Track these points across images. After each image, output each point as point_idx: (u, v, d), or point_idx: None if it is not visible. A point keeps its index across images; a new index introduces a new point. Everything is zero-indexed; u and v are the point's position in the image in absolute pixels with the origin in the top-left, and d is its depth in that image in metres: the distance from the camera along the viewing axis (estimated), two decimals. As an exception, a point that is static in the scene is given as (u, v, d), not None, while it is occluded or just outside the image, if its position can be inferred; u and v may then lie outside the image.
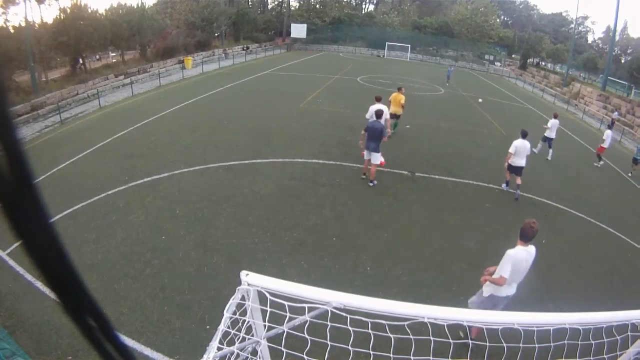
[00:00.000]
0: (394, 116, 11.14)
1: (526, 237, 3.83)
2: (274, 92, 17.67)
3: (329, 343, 1.66)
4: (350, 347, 1.72)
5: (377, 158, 8.04)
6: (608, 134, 11.92)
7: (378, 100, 9.32)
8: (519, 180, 8.37)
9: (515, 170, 8.33)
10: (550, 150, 11.67)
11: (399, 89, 11.44)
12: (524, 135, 8.14)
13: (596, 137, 17.46)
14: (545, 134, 11.69)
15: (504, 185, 8.94)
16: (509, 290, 4.01)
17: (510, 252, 3.81)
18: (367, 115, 9.18)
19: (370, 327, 1.60)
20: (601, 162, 12.17)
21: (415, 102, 18.20)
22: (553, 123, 11.49)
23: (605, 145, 11.95)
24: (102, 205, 6.90)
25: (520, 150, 8.10)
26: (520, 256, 3.81)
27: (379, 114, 8.00)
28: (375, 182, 8.34)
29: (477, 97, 21.53)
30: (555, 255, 6.58)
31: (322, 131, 11.92)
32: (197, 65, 24.32)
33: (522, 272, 3.91)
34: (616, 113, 20.85)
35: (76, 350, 3.94)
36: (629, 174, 11.63)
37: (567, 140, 15.32)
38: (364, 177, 8.58)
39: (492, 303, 4.08)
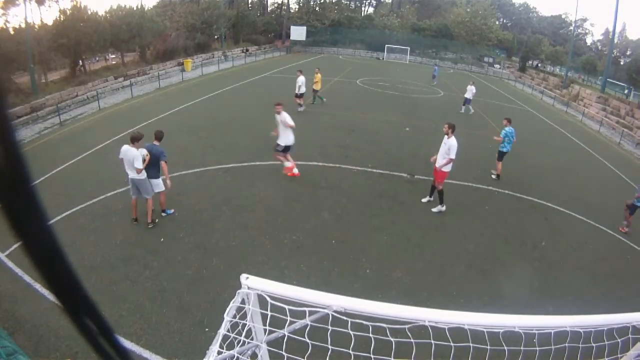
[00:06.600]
0: (315, 91, 15.65)
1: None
2: (274, 95, 17.64)
3: (329, 347, 1.65)
4: (350, 351, 1.71)
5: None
6: (452, 144, 7.26)
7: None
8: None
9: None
10: (466, 107, 16.94)
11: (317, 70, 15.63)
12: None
13: (595, 139, 17.53)
14: (466, 96, 16.70)
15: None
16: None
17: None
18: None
19: (370, 331, 1.59)
20: (442, 207, 7.54)
21: (415, 104, 18.23)
22: (470, 88, 16.55)
23: (445, 167, 7.35)
24: (101, 207, 6.89)
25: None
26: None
27: (158, 136, 6.36)
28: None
29: (476, 98, 21.52)
30: (555, 257, 6.60)
31: (322, 134, 11.93)
32: (197, 67, 24.34)
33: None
34: None
35: (74, 352, 3.92)
36: None
37: (567, 142, 15.35)
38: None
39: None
